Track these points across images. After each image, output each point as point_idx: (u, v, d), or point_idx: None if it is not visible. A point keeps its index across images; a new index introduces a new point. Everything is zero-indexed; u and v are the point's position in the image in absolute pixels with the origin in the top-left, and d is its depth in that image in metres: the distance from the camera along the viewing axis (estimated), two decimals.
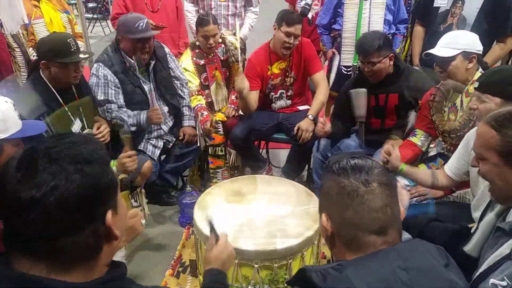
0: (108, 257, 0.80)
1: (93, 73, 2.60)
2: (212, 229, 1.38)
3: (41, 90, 2.19)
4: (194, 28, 3.13)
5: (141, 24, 2.51)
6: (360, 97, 2.53)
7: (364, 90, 2.51)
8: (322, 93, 2.95)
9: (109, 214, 0.76)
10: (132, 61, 2.61)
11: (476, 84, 1.77)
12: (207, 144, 3.01)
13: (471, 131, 1.85)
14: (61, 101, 2.26)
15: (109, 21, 3.31)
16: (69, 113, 2.30)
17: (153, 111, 2.60)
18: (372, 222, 0.90)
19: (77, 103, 2.33)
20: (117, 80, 2.60)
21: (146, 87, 2.72)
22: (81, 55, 2.23)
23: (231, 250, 1.35)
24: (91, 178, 0.73)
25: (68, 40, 2.18)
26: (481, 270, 1.19)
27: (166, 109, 2.85)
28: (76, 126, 2.32)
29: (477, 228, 1.41)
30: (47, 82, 2.22)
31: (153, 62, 2.73)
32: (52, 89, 2.23)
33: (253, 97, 2.90)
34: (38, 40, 2.34)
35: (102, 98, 2.58)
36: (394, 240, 0.92)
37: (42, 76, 2.22)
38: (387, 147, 2.00)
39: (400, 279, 0.83)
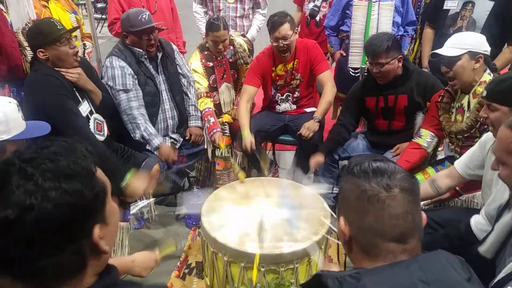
0: (97, 268, 0.75)
1: (107, 66, 2.59)
2: None
3: (46, 70, 2.17)
4: (203, 29, 3.13)
5: (144, 16, 2.53)
6: None
7: None
8: (329, 93, 2.91)
9: (96, 230, 0.71)
10: (141, 51, 2.61)
11: (484, 93, 1.76)
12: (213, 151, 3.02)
13: (489, 133, 1.83)
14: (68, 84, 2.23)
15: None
16: (77, 94, 2.26)
17: (165, 149, 2.60)
18: (392, 229, 0.86)
19: None
20: (132, 71, 2.60)
21: (156, 79, 2.74)
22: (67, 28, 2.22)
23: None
24: (70, 197, 0.67)
25: (51, 20, 2.19)
26: (499, 277, 1.18)
27: (173, 103, 2.86)
28: (84, 108, 2.28)
29: (492, 229, 1.39)
30: (50, 67, 2.18)
31: (160, 54, 2.74)
32: (56, 74, 2.19)
33: (251, 92, 2.94)
34: (26, 33, 2.34)
35: (120, 88, 2.56)
36: (414, 249, 0.88)
37: (43, 63, 2.18)
38: None
39: None
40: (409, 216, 0.87)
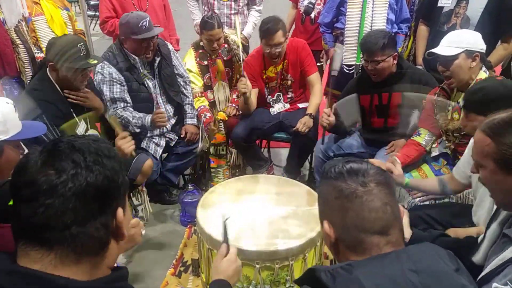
0: (113, 258, 0.80)
1: (98, 71, 2.59)
2: (225, 233, 1.38)
3: (47, 90, 2.17)
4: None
5: (145, 23, 2.50)
6: None
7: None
8: (317, 95, 2.98)
9: (120, 211, 0.78)
10: (137, 58, 2.60)
11: (462, 103, 1.78)
12: (206, 148, 3.01)
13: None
14: (69, 102, 2.24)
15: None
16: (74, 115, 2.27)
17: (157, 115, 2.58)
18: (373, 222, 0.89)
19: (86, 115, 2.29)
20: (122, 78, 2.59)
21: (150, 84, 2.72)
22: (90, 61, 2.19)
23: (239, 265, 1.35)
24: (109, 171, 0.75)
25: (78, 45, 2.13)
26: (483, 273, 1.18)
27: (169, 106, 2.85)
28: (81, 128, 2.29)
29: (484, 237, 1.39)
30: (54, 83, 2.18)
31: (158, 59, 2.72)
32: (59, 90, 2.20)
33: (253, 96, 2.92)
34: (49, 40, 2.29)
35: (107, 95, 2.57)
36: (397, 240, 0.91)
37: (50, 76, 2.18)
38: (389, 166, 2.00)
39: (411, 281, 0.82)
40: (388, 207, 0.90)
